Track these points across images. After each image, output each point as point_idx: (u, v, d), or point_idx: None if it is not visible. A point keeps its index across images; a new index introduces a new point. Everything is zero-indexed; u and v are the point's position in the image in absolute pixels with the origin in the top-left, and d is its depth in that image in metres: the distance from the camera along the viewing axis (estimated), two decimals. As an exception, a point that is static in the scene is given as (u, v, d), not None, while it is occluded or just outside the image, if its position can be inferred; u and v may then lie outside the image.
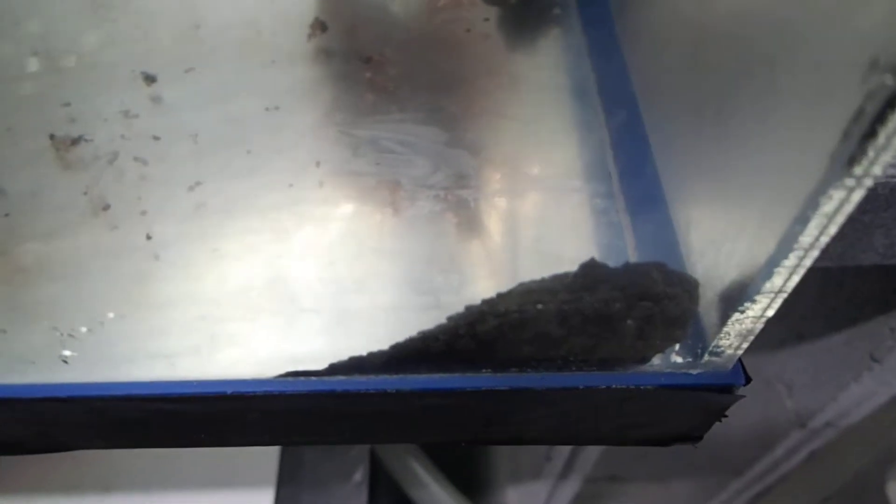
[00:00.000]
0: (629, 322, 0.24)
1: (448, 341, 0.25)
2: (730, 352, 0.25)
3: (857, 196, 0.18)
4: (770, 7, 0.21)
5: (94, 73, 0.39)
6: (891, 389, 0.54)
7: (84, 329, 0.29)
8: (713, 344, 0.25)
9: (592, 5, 0.40)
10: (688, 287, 0.24)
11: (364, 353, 0.27)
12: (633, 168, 0.32)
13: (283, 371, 0.27)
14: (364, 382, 0.26)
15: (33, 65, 0.39)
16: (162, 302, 0.30)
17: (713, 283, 0.24)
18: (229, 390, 0.26)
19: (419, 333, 0.26)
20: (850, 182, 0.18)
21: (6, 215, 0.32)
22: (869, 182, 0.17)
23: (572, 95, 0.37)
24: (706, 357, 0.26)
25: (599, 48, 0.38)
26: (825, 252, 0.53)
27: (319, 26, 0.41)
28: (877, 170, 0.17)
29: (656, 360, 0.27)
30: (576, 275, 0.24)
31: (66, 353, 0.28)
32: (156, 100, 0.38)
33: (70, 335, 0.28)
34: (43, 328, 0.29)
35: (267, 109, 0.37)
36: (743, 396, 0.26)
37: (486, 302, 0.25)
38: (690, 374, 0.26)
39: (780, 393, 0.76)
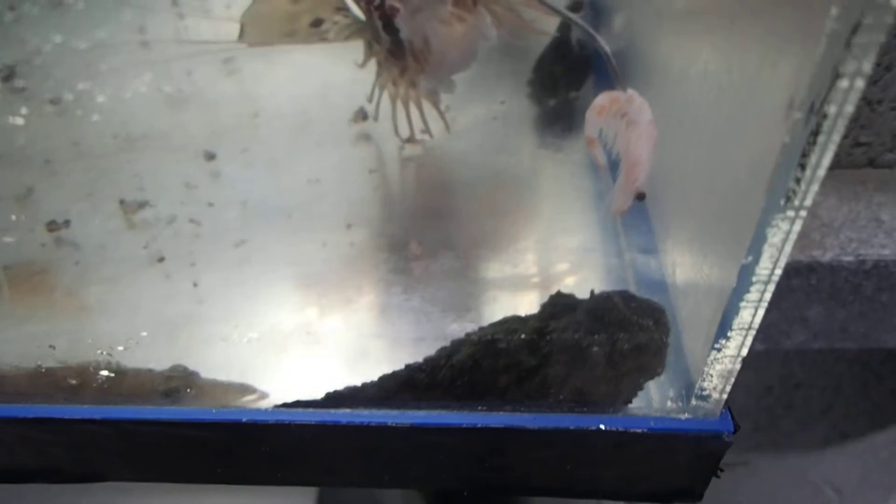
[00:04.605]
0: (595, 349, 0.25)
1: (430, 372, 0.27)
2: (715, 395, 0.26)
3: (798, 226, 0.20)
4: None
5: (163, 151, 0.44)
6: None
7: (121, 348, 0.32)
8: (697, 386, 0.26)
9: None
10: (653, 314, 0.25)
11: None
12: (634, 228, 0.34)
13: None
14: (356, 415, 0.28)
15: (113, 144, 0.45)
16: (201, 340, 0.33)
17: (696, 325, 0.26)
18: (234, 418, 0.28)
19: (406, 365, 0.28)
20: (790, 213, 0.20)
21: (76, 263, 0.37)
22: (804, 212, 0.19)
23: (589, 171, 0.40)
24: (693, 401, 0.27)
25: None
26: (847, 333, 0.53)
27: (362, 115, 0.46)
28: (808, 201, 0.19)
29: (649, 404, 0.28)
30: (544, 304, 0.26)
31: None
32: (214, 174, 0.43)
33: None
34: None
35: (309, 181, 0.41)
36: (731, 444, 0.27)
37: (468, 333, 0.27)
38: (679, 420, 0.27)
39: (830, 499, 0.72)
